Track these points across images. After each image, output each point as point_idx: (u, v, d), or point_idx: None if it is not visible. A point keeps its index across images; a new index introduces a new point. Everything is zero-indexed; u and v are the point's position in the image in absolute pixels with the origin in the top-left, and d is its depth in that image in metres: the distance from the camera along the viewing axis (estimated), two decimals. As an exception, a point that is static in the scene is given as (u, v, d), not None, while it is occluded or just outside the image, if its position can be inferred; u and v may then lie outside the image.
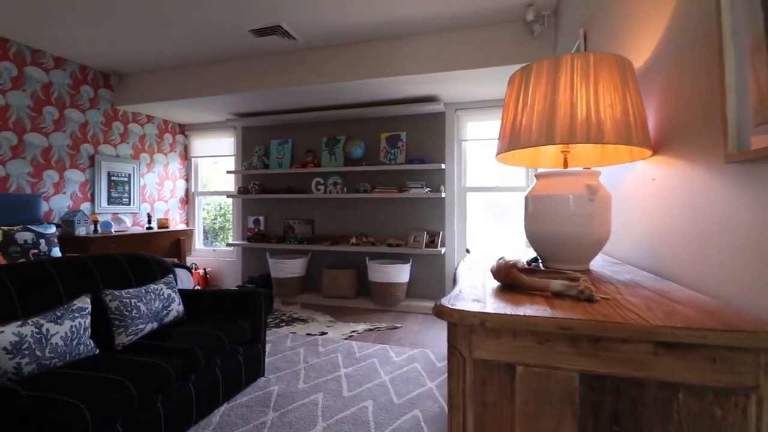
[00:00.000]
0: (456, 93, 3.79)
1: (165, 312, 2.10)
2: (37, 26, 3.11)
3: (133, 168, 4.52)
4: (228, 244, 4.72)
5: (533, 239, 1.26)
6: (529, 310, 0.72)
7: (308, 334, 3.17)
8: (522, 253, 1.80)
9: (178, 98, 4.03)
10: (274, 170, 4.51)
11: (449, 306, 0.73)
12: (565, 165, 1.31)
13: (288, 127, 4.75)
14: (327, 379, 2.33)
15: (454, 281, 1.12)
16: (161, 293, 2.13)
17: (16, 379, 1.41)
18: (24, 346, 1.45)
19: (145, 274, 2.23)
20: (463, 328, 0.72)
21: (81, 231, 3.68)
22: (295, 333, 3.21)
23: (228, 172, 4.77)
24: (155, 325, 2.03)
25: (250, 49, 3.60)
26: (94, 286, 1.93)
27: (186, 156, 5.31)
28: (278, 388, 2.21)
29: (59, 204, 3.76)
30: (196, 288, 4.67)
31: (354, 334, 3.21)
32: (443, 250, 3.99)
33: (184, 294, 2.38)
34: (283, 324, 3.48)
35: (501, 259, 0.97)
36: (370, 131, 4.38)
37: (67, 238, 3.59)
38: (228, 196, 4.81)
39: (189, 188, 5.35)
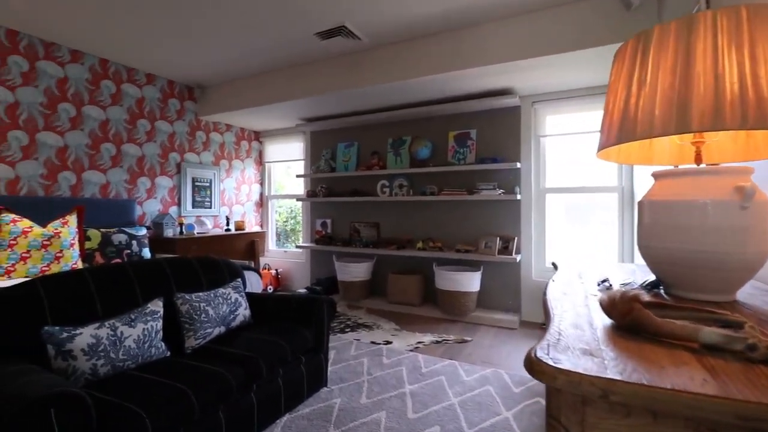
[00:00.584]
0: (533, 84, 3.42)
1: (232, 316, 2.12)
2: (132, 47, 3.42)
3: (214, 174, 4.82)
4: (297, 246, 4.82)
5: (652, 258, 0.97)
6: (677, 377, 0.48)
7: (373, 343, 3.06)
8: (616, 267, 1.48)
9: (253, 106, 4.20)
10: (340, 173, 4.51)
11: (551, 363, 0.52)
12: (698, 160, 1.00)
13: (354, 129, 4.72)
14: (391, 395, 2.18)
15: (546, 311, 0.89)
16: (229, 297, 2.15)
17: (92, 380, 1.47)
18: (100, 348, 1.51)
19: (215, 278, 2.28)
20: (573, 397, 0.51)
21: (168, 233, 3.99)
22: (359, 340, 3.12)
23: (297, 176, 4.88)
24: (222, 329, 2.05)
25: (317, 53, 3.61)
26: (168, 290, 2.00)
27: (260, 161, 5.56)
28: (340, 401, 2.11)
29: (151, 208, 4.13)
30: (266, 290, 4.86)
31: (420, 345, 3.02)
32: (518, 257, 3.64)
33: (251, 298, 2.40)
34: (348, 329, 3.42)
35: (606, 283, 0.72)
36: (438, 130, 4.17)
37: (157, 240, 3.91)
38: (297, 199, 4.92)
39: (263, 192, 5.59)
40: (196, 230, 4.37)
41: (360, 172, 4.34)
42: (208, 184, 4.76)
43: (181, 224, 4.16)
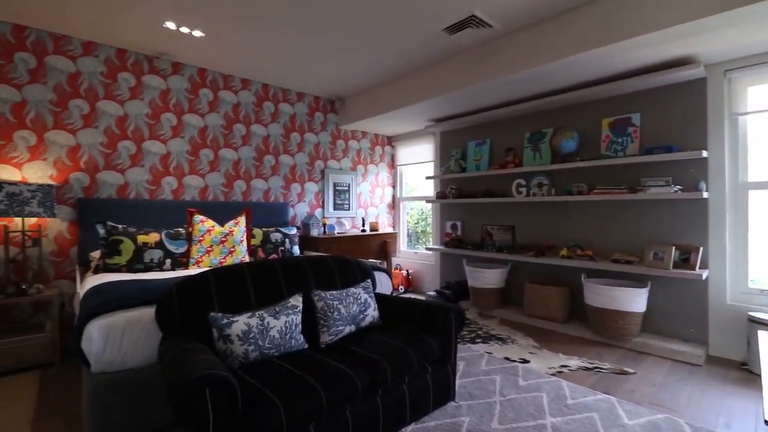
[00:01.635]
0: (725, 47, 2.61)
1: (362, 316, 2.17)
2: (286, 71, 3.92)
3: (351, 178, 5.18)
4: (427, 248, 4.80)
5: None
6: None
7: (507, 359, 2.78)
8: None
9: (385, 112, 4.34)
10: (471, 173, 4.30)
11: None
12: None
13: (485, 126, 4.45)
14: (528, 425, 1.91)
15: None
16: (359, 297, 2.21)
17: (244, 363, 1.66)
18: (251, 335, 1.70)
19: (347, 277, 2.38)
20: None
21: (314, 232, 4.44)
22: (491, 354, 2.87)
23: (427, 177, 4.86)
24: (353, 328, 2.11)
25: (445, 50, 3.50)
26: (306, 286, 2.16)
27: (393, 165, 5.75)
28: (469, 420, 1.94)
29: (300, 210, 4.66)
30: (397, 290, 4.97)
31: (564, 370, 2.61)
32: (705, 273, 2.83)
33: (380, 298, 2.43)
34: (479, 340, 3.20)
35: None
36: (587, 118, 3.58)
37: (304, 238, 4.40)
38: (427, 201, 4.90)
39: (395, 194, 5.77)
40: (337, 230, 4.76)
41: (493, 171, 4.05)
42: (346, 188, 5.13)
43: (324, 225, 4.58)
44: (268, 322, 1.78)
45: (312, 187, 4.76)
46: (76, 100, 3.18)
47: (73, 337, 1.76)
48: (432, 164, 5.21)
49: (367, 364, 1.72)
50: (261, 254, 3.59)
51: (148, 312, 1.84)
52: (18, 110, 2.95)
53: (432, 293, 4.58)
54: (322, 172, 4.87)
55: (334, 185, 5.00)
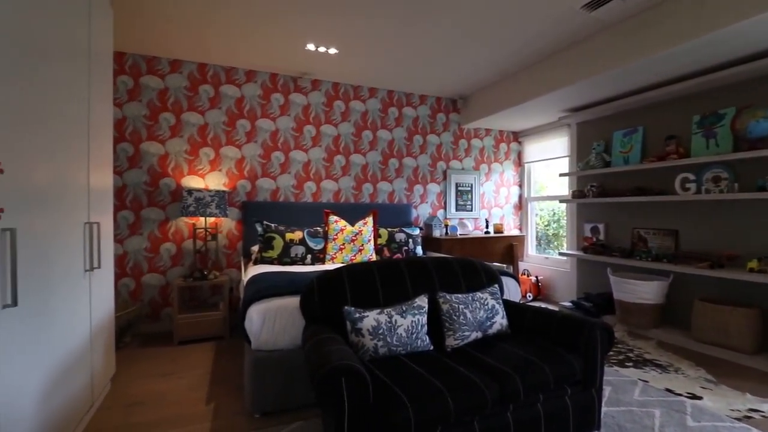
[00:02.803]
0: None
1: (489, 323, 2.06)
2: (410, 76, 4.01)
3: (474, 178, 5.02)
4: (561, 253, 4.33)
5: None
6: None
7: (668, 391, 2.30)
8: None
9: (511, 106, 4.08)
10: (617, 168, 3.71)
11: None
12: None
13: (635, 112, 3.79)
14: (704, 477, 1.53)
15: None
16: (486, 303, 2.11)
17: (374, 357, 1.74)
18: (380, 331, 1.77)
19: (472, 281, 2.30)
20: None
21: (436, 233, 4.45)
22: (647, 382, 2.42)
23: (560, 175, 4.39)
24: (479, 334, 2.02)
25: (584, 29, 3.09)
26: (431, 287, 2.16)
27: (519, 162, 5.38)
28: (619, 456, 1.66)
29: (423, 211, 4.72)
30: (524, 297, 4.61)
31: (756, 416, 2.03)
32: None
33: (508, 306, 2.27)
34: (630, 364, 2.73)
35: None
36: (794, 91, 2.73)
37: (427, 239, 4.44)
38: (560, 201, 4.43)
39: (522, 194, 5.38)
40: (459, 232, 4.67)
41: (647, 164, 3.43)
42: (469, 189, 5.00)
43: (446, 226, 4.55)
44: (395, 320, 1.82)
45: (434, 188, 4.77)
46: (242, 120, 3.83)
47: (239, 317, 2.10)
48: (566, 160, 4.68)
49: (496, 375, 1.61)
50: (386, 253, 3.75)
51: (294, 301, 2.09)
52: (202, 131, 3.69)
53: (567, 304, 4.11)
54: (444, 173, 4.84)
55: (457, 186, 4.91)
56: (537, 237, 5.35)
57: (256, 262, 3.34)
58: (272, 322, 2.01)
